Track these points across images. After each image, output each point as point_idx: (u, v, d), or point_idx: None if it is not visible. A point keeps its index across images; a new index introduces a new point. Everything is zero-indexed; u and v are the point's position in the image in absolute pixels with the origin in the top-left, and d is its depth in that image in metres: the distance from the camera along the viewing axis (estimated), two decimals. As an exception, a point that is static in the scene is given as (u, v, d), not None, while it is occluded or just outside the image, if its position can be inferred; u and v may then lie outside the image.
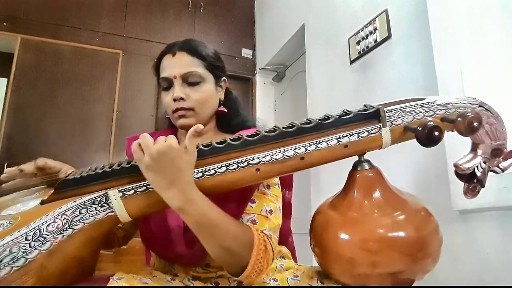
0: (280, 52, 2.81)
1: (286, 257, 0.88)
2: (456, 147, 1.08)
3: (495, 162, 0.76)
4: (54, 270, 0.60)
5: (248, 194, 0.75)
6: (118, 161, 0.68)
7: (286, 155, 0.65)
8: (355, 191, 0.68)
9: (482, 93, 1.07)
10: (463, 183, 0.76)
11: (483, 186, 0.74)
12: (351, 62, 1.86)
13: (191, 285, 0.77)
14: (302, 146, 0.65)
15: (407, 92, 1.45)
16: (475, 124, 0.64)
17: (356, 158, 0.71)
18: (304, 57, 2.39)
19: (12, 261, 0.57)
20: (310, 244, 0.72)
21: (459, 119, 0.65)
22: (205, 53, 0.87)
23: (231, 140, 0.66)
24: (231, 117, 0.92)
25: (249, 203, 0.75)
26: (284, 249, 0.89)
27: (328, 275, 0.72)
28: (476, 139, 0.74)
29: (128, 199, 0.63)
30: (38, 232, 0.59)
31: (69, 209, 0.62)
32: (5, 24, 2.45)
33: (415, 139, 0.65)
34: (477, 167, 0.73)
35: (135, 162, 0.63)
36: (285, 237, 0.94)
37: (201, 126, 0.65)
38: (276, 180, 0.81)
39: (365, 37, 1.77)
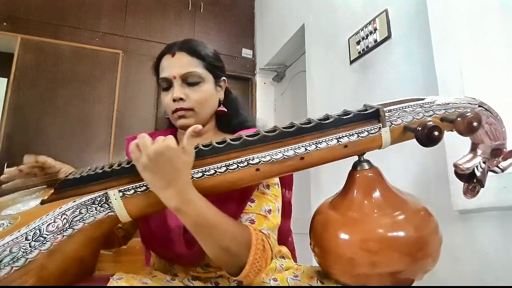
0: (280, 52, 2.81)
1: (286, 257, 0.88)
2: (456, 147, 1.08)
3: (495, 162, 0.76)
4: (54, 270, 0.60)
5: (248, 194, 0.75)
6: (118, 161, 0.69)
7: (286, 155, 0.65)
8: (355, 191, 0.68)
9: (482, 93, 1.07)
10: (463, 183, 0.76)
11: (482, 186, 0.74)
12: (351, 62, 1.86)
13: (191, 285, 0.77)
14: (302, 146, 0.65)
15: (407, 92, 1.45)
16: (475, 124, 0.64)
17: (356, 158, 0.71)
18: (304, 57, 2.39)
19: (12, 261, 0.57)
20: (310, 244, 0.72)
21: (458, 119, 0.65)
22: (205, 53, 0.87)
23: (231, 140, 0.67)
24: (231, 117, 0.92)
25: (248, 203, 0.75)
26: (284, 249, 0.89)
27: (328, 275, 0.72)
28: (475, 139, 0.74)
29: (128, 199, 0.63)
30: (38, 232, 0.60)
31: (69, 209, 0.62)
32: (5, 24, 2.45)
33: (414, 139, 0.65)
34: (476, 167, 0.73)
35: None
36: (285, 237, 0.94)
37: (199, 127, 0.65)
38: (276, 180, 0.81)
39: (365, 37, 1.77)
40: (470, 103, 0.72)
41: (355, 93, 1.82)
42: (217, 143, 0.66)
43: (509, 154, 0.76)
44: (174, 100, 0.84)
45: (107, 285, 0.65)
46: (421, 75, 1.42)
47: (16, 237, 0.59)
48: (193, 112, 0.85)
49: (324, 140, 0.66)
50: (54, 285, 0.61)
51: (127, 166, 0.65)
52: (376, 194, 0.67)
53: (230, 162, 0.65)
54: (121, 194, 0.63)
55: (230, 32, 3.13)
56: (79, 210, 0.62)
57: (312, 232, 0.72)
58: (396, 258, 0.62)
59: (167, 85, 0.86)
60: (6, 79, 2.55)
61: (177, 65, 0.85)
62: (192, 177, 0.64)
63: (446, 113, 0.70)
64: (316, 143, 0.65)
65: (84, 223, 0.61)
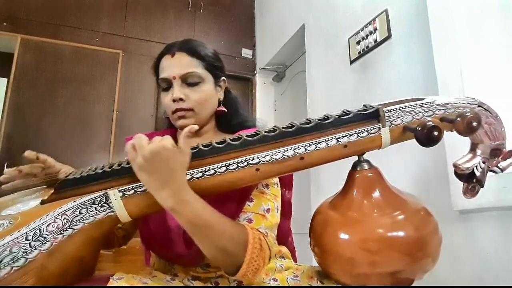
0: (280, 52, 2.81)
1: (286, 257, 0.88)
2: (456, 147, 1.08)
3: (494, 162, 0.76)
4: (54, 270, 0.60)
5: (247, 194, 0.75)
6: (118, 161, 0.69)
7: (285, 155, 0.65)
8: (355, 191, 0.68)
9: (482, 93, 1.07)
10: (462, 183, 0.76)
11: (482, 185, 0.74)
12: (351, 62, 1.86)
13: (191, 285, 0.77)
14: (302, 146, 0.65)
15: (407, 92, 1.45)
16: (474, 124, 0.64)
17: (355, 158, 0.71)
18: (304, 57, 2.39)
19: (12, 261, 0.57)
20: (310, 244, 0.72)
21: (458, 119, 0.65)
22: (204, 53, 0.87)
23: (231, 140, 0.67)
24: (231, 117, 0.92)
25: (247, 202, 0.75)
26: (284, 249, 0.89)
27: (328, 275, 0.72)
28: (475, 139, 0.74)
29: (128, 199, 0.63)
30: (38, 232, 0.60)
31: (69, 209, 0.62)
32: (5, 24, 2.45)
33: (414, 139, 0.65)
34: (476, 167, 0.73)
35: None
36: (285, 237, 0.95)
37: (195, 127, 0.65)
38: (275, 179, 0.81)
39: (365, 37, 1.77)
40: (469, 103, 0.72)
41: (355, 93, 1.82)
42: (217, 143, 0.66)
43: (509, 154, 0.76)
44: (174, 101, 0.84)
45: (107, 285, 0.65)
46: (421, 75, 1.42)
47: (16, 237, 0.59)
48: (193, 113, 0.85)
49: (324, 140, 0.66)
50: (54, 285, 0.61)
51: (127, 166, 0.65)
52: (376, 194, 0.67)
53: (230, 162, 0.65)
54: (121, 194, 0.63)
55: (230, 32, 3.13)
56: (79, 210, 0.62)
57: (312, 232, 0.72)
58: (396, 258, 0.62)
59: (167, 85, 0.86)
60: (6, 79, 2.55)
61: (177, 65, 0.85)
62: (192, 177, 0.64)
63: (446, 113, 0.70)
64: (316, 143, 0.65)
65: (84, 223, 0.61)
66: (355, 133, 0.66)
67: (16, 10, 2.50)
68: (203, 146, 0.66)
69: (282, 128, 0.67)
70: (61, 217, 0.61)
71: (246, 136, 0.67)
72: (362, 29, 1.79)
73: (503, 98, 1.11)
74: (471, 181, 0.74)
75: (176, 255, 0.76)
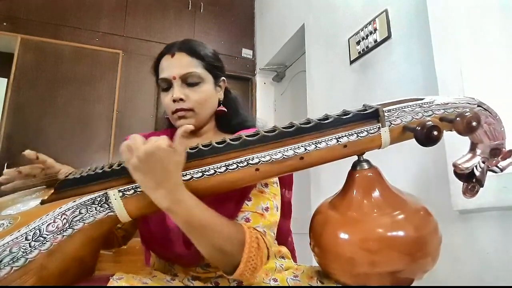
0: (280, 52, 2.81)
1: (285, 257, 0.88)
2: (455, 147, 1.08)
3: (494, 161, 0.76)
4: (54, 270, 0.60)
5: (246, 193, 0.75)
6: (118, 161, 0.68)
7: (285, 155, 0.65)
8: (355, 191, 0.68)
9: (482, 93, 1.07)
10: (462, 182, 0.76)
11: (482, 185, 0.74)
12: (351, 62, 1.86)
13: (191, 285, 0.77)
14: (302, 146, 0.65)
15: (407, 92, 1.46)
16: (474, 123, 0.64)
17: (355, 158, 0.71)
18: (304, 57, 2.39)
19: (12, 261, 0.57)
20: (310, 244, 0.72)
21: (457, 118, 0.65)
22: (204, 53, 0.87)
23: (230, 140, 0.67)
24: (231, 117, 0.93)
25: (245, 201, 0.75)
26: (284, 249, 0.89)
27: (328, 275, 0.72)
28: (475, 139, 0.74)
29: (128, 199, 0.63)
30: (38, 232, 0.60)
31: (69, 209, 0.62)
32: (5, 24, 2.45)
33: (414, 139, 0.65)
34: (476, 166, 0.73)
35: None
36: (284, 237, 0.95)
37: (191, 127, 0.65)
38: (275, 178, 0.81)
39: (365, 37, 1.77)
40: (469, 103, 0.72)
41: (355, 93, 1.82)
42: (216, 143, 0.66)
43: (508, 154, 0.76)
44: (174, 101, 0.84)
45: (107, 285, 0.65)
46: (421, 75, 1.42)
47: (16, 237, 0.59)
48: (193, 113, 0.85)
49: (324, 140, 0.66)
50: (54, 285, 0.61)
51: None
52: (376, 193, 0.67)
53: (230, 162, 0.65)
54: (121, 194, 0.63)
55: (230, 32, 3.13)
56: (79, 210, 0.62)
57: (311, 232, 0.72)
58: (395, 258, 0.62)
59: (166, 85, 0.86)
60: (6, 79, 2.55)
61: (176, 65, 0.85)
62: (192, 177, 0.64)
63: (445, 113, 0.70)
64: (315, 143, 0.65)
65: (84, 223, 0.62)
66: (355, 133, 0.66)
67: (16, 10, 2.50)
68: (203, 146, 0.66)
69: (282, 128, 0.67)
70: (61, 217, 0.61)
71: (246, 136, 0.67)
72: (362, 29, 1.79)
73: (503, 98, 1.11)
74: (470, 180, 0.74)
75: (176, 255, 0.76)
